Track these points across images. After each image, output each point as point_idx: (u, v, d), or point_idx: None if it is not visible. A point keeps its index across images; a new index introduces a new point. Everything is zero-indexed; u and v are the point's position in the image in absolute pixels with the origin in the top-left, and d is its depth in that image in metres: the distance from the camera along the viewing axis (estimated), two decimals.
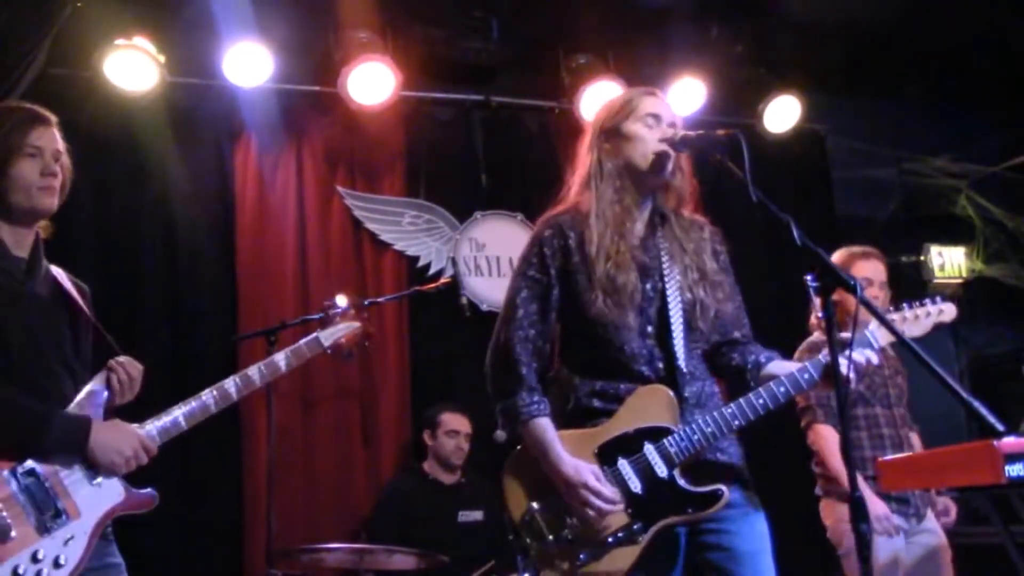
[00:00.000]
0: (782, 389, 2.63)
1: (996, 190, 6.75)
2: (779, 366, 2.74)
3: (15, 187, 2.68)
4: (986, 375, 6.70)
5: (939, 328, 2.84)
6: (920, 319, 2.76)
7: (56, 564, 2.48)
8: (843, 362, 2.30)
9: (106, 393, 2.75)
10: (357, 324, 3.36)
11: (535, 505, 2.67)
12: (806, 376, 2.63)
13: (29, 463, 2.54)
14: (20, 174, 2.68)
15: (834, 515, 4.08)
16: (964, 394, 2.24)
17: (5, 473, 2.50)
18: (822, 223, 6.24)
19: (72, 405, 2.68)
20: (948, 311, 2.81)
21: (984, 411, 2.20)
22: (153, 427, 2.75)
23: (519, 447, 2.74)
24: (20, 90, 4.43)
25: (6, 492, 2.48)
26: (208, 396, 2.86)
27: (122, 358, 2.82)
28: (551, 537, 2.63)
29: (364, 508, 5.22)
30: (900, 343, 2.39)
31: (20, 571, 2.43)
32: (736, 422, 2.61)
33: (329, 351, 3.27)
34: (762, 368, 2.74)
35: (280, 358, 3.07)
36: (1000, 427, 2.16)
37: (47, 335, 2.71)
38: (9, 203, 2.69)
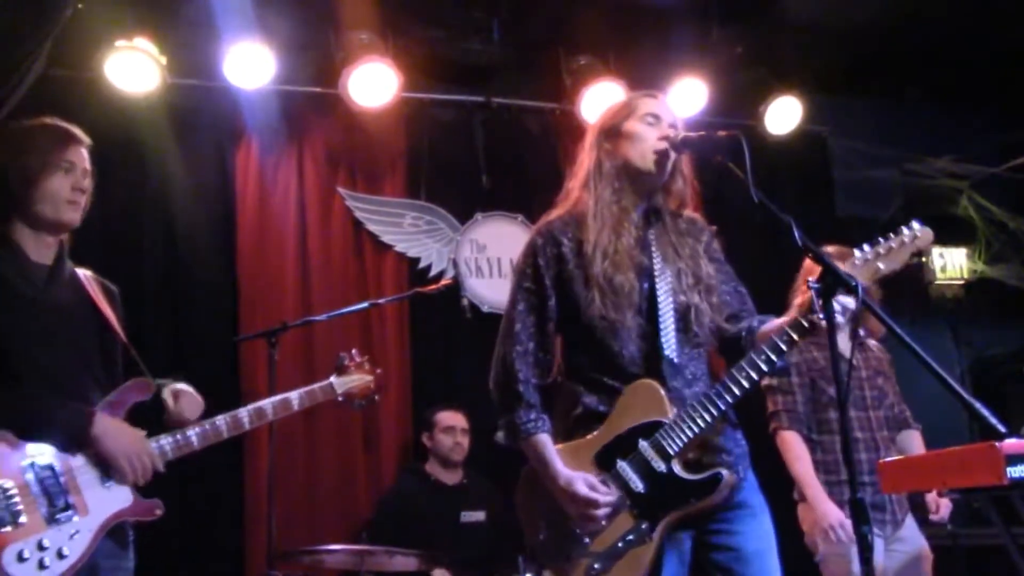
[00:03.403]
0: (763, 357, 2.57)
1: (997, 191, 6.74)
2: (769, 325, 2.69)
3: (44, 198, 2.82)
4: (988, 376, 6.69)
5: (919, 254, 2.68)
6: (895, 250, 2.61)
7: (59, 555, 2.58)
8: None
9: (132, 402, 2.86)
10: (370, 378, 3.56)
11: (544, 523, 2.68)
12: (784, 338, 2.57)
13: (48, 458, 2.64)
14: (52, 187, 2.82)
15: (809, 520, 4.00)
16: (965, 395, 2.23)
17: (25, 463, 2.62)
18: (823, 224, 6.22)
19: (95, 409, 2.76)
20: (924, 236, 2.63)
21: (985, 412, 2.19)
22: (165, 442, 2.86)
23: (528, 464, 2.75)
24: (21, 91, 4.43)
25: (22, 481, 2.59)
26: (221, 421, 3.00)
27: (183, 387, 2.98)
28: (564, 552, 2.62)
29: (365, 509, 5.22)
30: (901, 343, 2.38)
31: (25, 555, 2.53)
32: (723, 400, 2.57)
33: (341, 399, 3.49)
34: (755, 332, 2.71)
35: (294, 397, 3.27)
36: (1002, 428, 2.15)
37: (68, 340, 2.82)
38: (35, 213, 2.83)
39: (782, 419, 4.06)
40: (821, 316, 2.37)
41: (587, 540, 2.60)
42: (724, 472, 2.58)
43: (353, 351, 3.59)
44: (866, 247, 2.63)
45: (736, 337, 2.76)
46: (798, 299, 4.06)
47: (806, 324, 2.55)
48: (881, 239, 2.63)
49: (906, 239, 2.62)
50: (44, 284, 2.85)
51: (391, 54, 5.39)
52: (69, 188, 2.85)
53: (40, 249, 2.88)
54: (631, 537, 2.57)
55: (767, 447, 4.77)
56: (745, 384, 2.58)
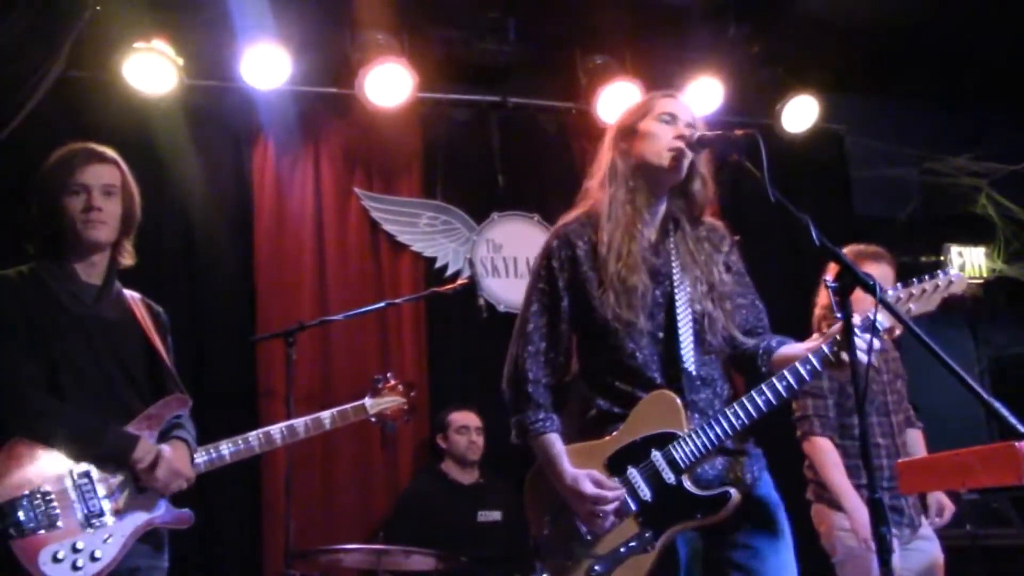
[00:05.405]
0: (784, 383, 2.58)
1: (1017, 189, 6.70)
2: (790, 349, 2.70)
3: (65, 224, 2.96)
4: (1007, 375, 6.66)
5: (950, 301, 2.72)
6: (928, 293, 2.63)
7: (92, 557, 2.72)
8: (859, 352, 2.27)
9: (169, 416, 3.02)
10: (403, 400, 3.78)
11: (549, 518, 2.69)
12: (808, 367, 2.57)
13: (85, 466, 2.80)
14: (66, 212, 2.96)
15: (826, 522, 3.98)
16: (985, 395, 2.21)
17: (63, 470, 2.77)
18: (841, 223, 6.20)
19: (134, 421, 2.92)
20: (958, 282, 2.67)
21: (1005, 412, 2.18)
22: (200, 460, 3.09)
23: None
24: (40, 93, 4.46)
25: (61, 487, 2.75)
26: (254, 438, 3.22)
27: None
28: (566, 550, 2.64)
29: (382, 509, 5.23)
30: (920, 343, 2.37)
31: (59, 557, 2.68)
32: (740, 421, 2.59)
33: (373, 419, 3.70)
34: (773, 352, 2.71)
35: (326, 416, 3.49)
36: (1021, 428, 2.14)
37: (113, 354, 2.96)
38: (67, 238, 2.97)
39: (814, 424, 3.97)
40: (849, 350, 2.34)
41: (590, 541, 2.62)
42: (733, 492, 2.59)
43: (388, 374, 3.80)
44: (899, 286, 2.66)
45: (753, 354, 2.76)
46: (823, 325, 4.05)
47: (833, 358, 2.53)
48: (915, 280, 2.66)
49: (940, 283, 2.66)
50: (92, 302, 2.99)
51: (407, 54, 5.40)
52: (80, 210, 2.95)
53: (88, 270, 3.02)
54: (634, 544, 2.59)
55: (779, 446, 4.76)
56: (763, 408, 2.59)
